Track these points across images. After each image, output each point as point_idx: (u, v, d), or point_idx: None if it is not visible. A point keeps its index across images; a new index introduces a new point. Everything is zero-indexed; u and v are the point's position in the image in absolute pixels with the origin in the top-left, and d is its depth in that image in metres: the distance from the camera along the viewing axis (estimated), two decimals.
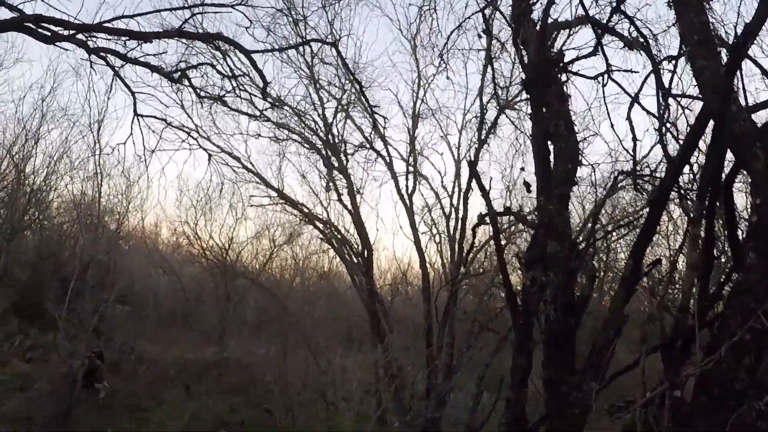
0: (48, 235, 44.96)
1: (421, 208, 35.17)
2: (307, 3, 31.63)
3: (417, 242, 34.24)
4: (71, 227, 45.91)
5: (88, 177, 43.71)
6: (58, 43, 17.82)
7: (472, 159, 32.09)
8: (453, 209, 34.55)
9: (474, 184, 32.29)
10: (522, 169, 18.09)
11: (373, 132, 33.64)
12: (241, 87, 22.05)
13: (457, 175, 34.57)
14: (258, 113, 30.61)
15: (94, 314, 35.84)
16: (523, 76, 15.43)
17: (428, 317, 33.04)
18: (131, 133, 21.74)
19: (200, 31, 22.36)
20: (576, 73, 14.65)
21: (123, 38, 18.03)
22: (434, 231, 35.34)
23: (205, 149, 29.88)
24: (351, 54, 32.91)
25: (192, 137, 30.18)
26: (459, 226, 33.98)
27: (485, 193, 14.23)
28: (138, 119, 21.60)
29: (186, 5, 19.51)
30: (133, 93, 20.93)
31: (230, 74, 21.14)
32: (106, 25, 17.78)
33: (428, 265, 34.68)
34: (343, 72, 31.99)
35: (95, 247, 42.84)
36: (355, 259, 34.59)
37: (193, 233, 50.94)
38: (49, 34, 17.29)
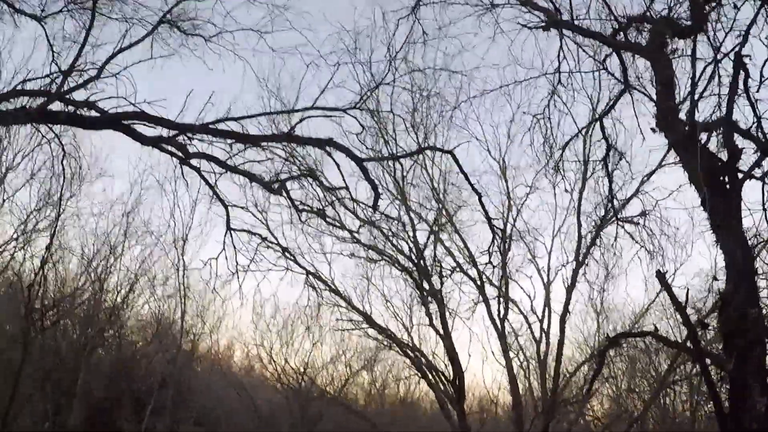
0: (123, 352, 42.89)
1: (508, 332, 32.54)
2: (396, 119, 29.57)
3: (509, 369, 31.96)
4: (146, 345, 43.98)
5: (169, 295, 42.11)
6: (157, 146, 15.96)
7: (570, 282, 30.34)
8: (543, 334, 32.22)
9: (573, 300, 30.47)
10: None
11: (465, 255, 32.00)
12: (342, 198, 20.25)
13: (547, 300, 32.26)
14: (349, 232, 28.84)
15: None
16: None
17: None
18: (224, 249, 19.63)
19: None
20: (751, 175, 12.69)
21: (229, 141, 16.10)
22: (521, 356, 32.93)
23: (304, 268, 28.14)
24: (437, 175, 30.73)
25: (288, 255, 28.29)
26: (555, 351, 31.55)
27: (686, 319, 12.19)
28: (231, 234, 19.52)
29: (294, 108, 17.46)
30: (226, 206, 18.98)
31: (335, 186, 19.26)
32: (212, 126, 15.83)
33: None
34: (433, 190, 30.58)
35: (171, 367, 41.48)
36: (441, 385, 32.11)
37: (268, 356, 48.98)
38: (146, 134, 15.55)
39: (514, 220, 32.39)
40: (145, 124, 15.42)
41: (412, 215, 31.67)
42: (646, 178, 28.30)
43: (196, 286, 42.14)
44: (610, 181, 21.42)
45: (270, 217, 28.52)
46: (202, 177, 17.63)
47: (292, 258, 29.77)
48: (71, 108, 16.00)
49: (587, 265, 30.74)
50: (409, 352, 33.14)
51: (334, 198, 20.58)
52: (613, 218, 26.70)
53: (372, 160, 18.60)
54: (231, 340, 55.10)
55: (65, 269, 37.92)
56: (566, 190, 30.03)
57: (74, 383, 36.57)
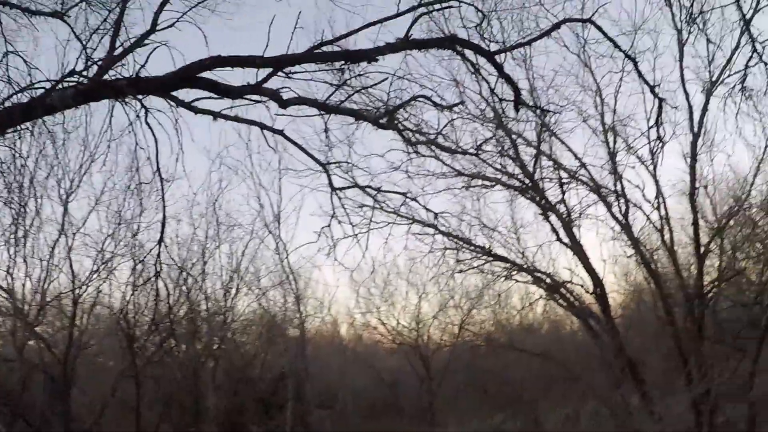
0: (236, 357, 39.78)
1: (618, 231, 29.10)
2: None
3: (646, 263, 28.65)
4: (256, 343, 40.88)
5: (273, 285, 39.11)
6: (246, 97, 12.21)
7: (691, 156, 27.36)
8: (663, 221, 28.66)
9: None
10: None
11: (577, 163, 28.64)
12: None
13: (658, 186, 28.48)
14: (473, 154, 25.09)
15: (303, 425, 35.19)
16: None
17: (677, 339, 27.76)
18: (333, 213, 16.22)
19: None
20: None
21: (338, 64, 12.33)
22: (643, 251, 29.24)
23: (431, 211, 24.16)
24: (525, 84, 26.70)
25: (410, 200, 24.41)
26: (692, 233, 28.48)
27: None
28: (336, 194, 16.02)
29: (399, 12, 13.54)
30: (324, 165, 15.48)
31: (449, 105, 15.48)
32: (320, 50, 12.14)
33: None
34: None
35: (285, 358, 39.14)
36: (576, 301, 29.06)
37: (378, 320, 46.46)
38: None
39: (614, 109, 28.18)
40: (229, 71, 11.71)
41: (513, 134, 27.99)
42: None
43: (297, 267, 39.44)
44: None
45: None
46: (290, 139, 14.27)
47: (415, 201, 25.94)
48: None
49: (705, 133, 27.49)
50: (539, 275, 29.63)
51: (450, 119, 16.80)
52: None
53: (504, 51, 14.52)
54: (335, 314, 52.65)
55: (156, 287, 34.50)
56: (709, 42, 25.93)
57: (197, 402, 34.58)
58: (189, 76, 11.44)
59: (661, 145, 22.60)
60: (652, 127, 21.45)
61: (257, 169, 38.47)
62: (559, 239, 28.57)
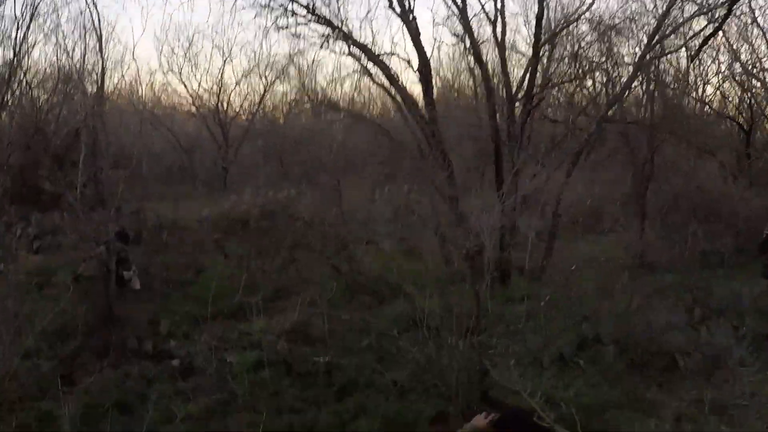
0: (29, 109, 37.06)
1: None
2: None
3: (476, 52, 26.88)
4: (52, 97, 38.03)
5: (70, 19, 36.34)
6: None
7: None
8: (498, 13, 26.53)
9: None
10: None
11: None
12: None
13: None
14: None
15: (95, 184, 32.66)
16: None
17: (496, 136, 26.32)
18: None
19: None
20: None
21: None
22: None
23: None
24: None
25: None
26: (534, 26, 26.66)
27: None
28: None
29: None
30: None
31: None
32: None
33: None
34: None
35: (81, 114, 36.11)
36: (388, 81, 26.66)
37: (179, 80, 44.90)
38: None
39: None
40: None
41: None
42: None
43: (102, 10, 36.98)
44: None
45: None
46: None
47: None
48: None
49: None
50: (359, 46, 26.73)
51: None
52: None
53: None
54: (136, 73, 50.74)
55: None
56: None
57: None
58: None
59: None
60: None
61: None
62: (391, 6, 25.52)
